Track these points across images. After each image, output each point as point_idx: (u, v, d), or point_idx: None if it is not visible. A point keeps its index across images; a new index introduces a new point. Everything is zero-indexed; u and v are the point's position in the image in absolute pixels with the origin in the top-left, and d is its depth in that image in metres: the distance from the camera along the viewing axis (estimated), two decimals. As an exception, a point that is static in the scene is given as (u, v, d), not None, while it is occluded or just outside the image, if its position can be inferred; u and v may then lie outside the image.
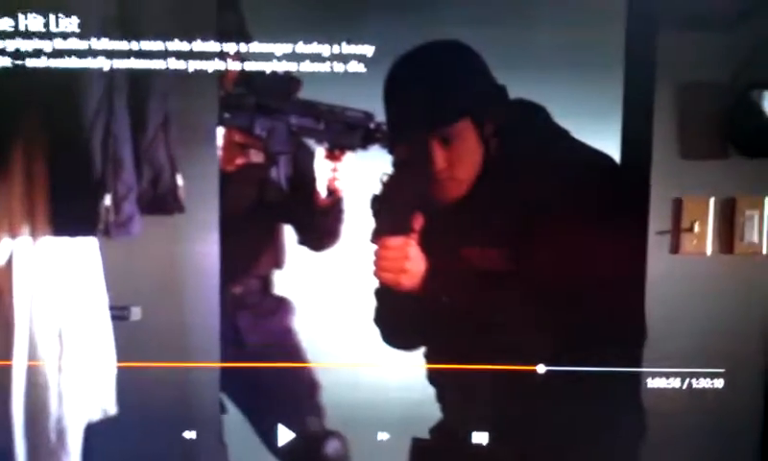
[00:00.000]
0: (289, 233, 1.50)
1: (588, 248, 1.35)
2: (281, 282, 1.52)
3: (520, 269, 1.35)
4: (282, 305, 1.51)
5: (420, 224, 1.37)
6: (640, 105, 1.35)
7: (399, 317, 1.41)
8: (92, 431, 1.28)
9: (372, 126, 1.37)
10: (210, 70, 1.31)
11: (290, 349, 1.49)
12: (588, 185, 1.36)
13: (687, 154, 1.36)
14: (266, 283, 1.50)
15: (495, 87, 1.32)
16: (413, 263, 1.35)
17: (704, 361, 1.39)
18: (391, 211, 1.37)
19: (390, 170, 1.38)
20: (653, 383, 1.36)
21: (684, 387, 1.36)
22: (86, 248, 1.23)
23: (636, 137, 1.36)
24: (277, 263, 1.50)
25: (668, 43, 1.33)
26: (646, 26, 1.34)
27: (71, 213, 1.17)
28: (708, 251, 1.40)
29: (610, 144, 1.37)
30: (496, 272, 1.35)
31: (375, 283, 1.42)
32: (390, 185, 1.37)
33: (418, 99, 1.32)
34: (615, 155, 1.38)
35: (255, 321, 1.49)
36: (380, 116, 1.39)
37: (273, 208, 1.44)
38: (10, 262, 1.18)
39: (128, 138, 1.21)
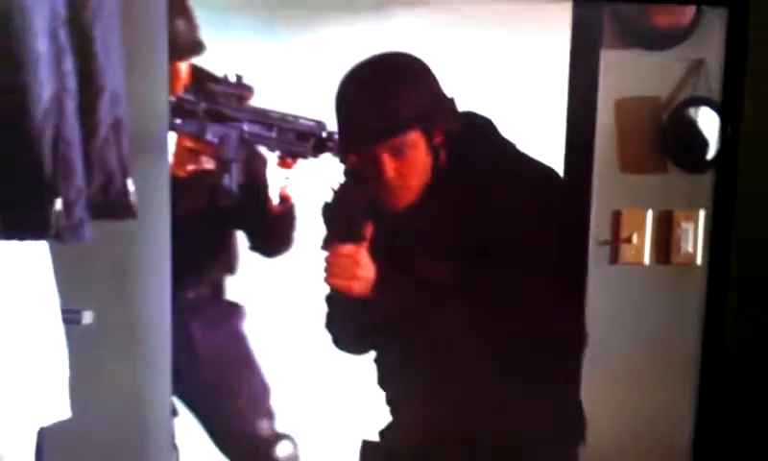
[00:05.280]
0: (241, 240, 1.54)
1: (532, 258, 1.42)
2: (233, 288, 1.56)
3: (468, 280, 1.42)
4: (234, 310, 1.56)
5: (371, 232, 1.44)
6: (583, 121, 1.46)
7: (350, 322, 1.48)
8: (47, 436, 1.28)
9: (323, 135, 1.45)
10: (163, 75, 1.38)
11: (241, 353, 1.53)
12: (533, 197, 1.43)
13: (627, 168, 1.48)
14: (218, 289, 1.55)
15: (444, 100, 1.39)
16: (364, 270, 1.42)
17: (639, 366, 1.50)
18: (342, 219, 1.45)
19: (341, 179, 1.45)
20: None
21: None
22: (37, 252, 1.20)
23: (578, 152, 1.47)
24: (230, 269, 1.55)
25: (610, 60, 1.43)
26: (589, 43, 1.43)
27: (21, 218, 1.11)
28: (647, 261, 1.50)
29: (554, 159, 1.48)
30: (443, 282, 1.42)
31: (327, 289, 1.49)
32: (341, 194, 1.45)
33: (368, 111, 1.38)
34: (559, 168, 1.48)
35: (207, 325, 1.54)
36: (332, 126, 1.47)
37: (225, 215, 1.50)
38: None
39: (78, 142, 1.17)
